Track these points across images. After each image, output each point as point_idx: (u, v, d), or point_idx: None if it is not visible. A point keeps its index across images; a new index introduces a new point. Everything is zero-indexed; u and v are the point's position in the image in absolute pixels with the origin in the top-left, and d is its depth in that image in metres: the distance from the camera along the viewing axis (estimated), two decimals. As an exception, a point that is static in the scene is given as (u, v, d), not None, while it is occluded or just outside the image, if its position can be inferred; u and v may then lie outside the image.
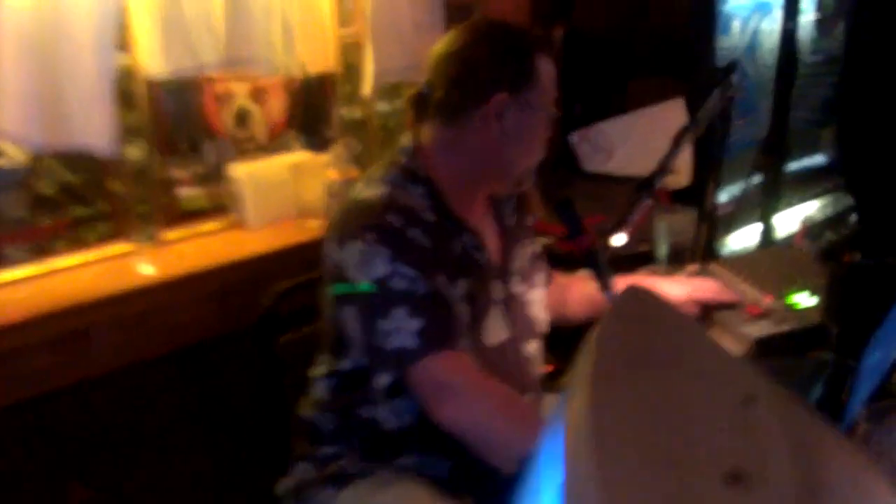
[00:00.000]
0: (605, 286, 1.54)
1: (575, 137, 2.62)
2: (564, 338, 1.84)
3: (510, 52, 1.54)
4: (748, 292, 1.92)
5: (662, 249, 2.10)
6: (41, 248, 2.11)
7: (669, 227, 2.10)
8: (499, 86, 1.52)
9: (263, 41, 2.15)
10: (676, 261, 2.11)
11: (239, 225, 2.43)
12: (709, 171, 2.13)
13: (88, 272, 2.16)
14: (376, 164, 1.66)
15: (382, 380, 1.50)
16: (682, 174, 2.46)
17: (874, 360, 1.41)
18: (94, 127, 1.89)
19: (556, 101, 1.61)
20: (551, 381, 2.23)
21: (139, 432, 2.18)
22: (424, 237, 1.50)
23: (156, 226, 2.28)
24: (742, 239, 2.49)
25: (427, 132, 1.60)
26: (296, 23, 2.23)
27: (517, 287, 1.72)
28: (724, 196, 2.62)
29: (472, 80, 1.54)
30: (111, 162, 2.13)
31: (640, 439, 0.59)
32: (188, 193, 2.38)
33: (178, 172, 2.33)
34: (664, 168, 1.80)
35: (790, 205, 2.72)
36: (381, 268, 1.45)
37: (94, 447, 2.12)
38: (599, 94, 2.75)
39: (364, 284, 1.47)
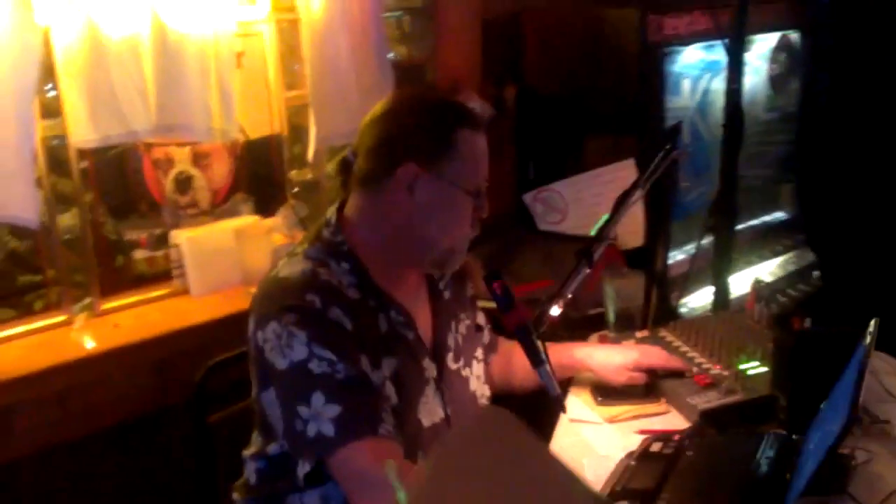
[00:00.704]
0: (535, 362, 1.48)
1: (528, 197, 2.58)
2: (523, 408, 1.78)
3: (425, 124, 1.48)
4: (697, 360, 1.86)
5: (612, 314, 2.05)
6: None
7: (620, 291, 2.05)
8: (410, 156, 1.47)
9: (199, 107, 2.10)
10: (627, 325, 2.05)
11: (182, 292, 2.37)
12: (657, 233, 2.09)
13: (21, 344, 2.09)
14: (301, 237, 1.60)
15: (304, 467, 1.42)
16: (636, 235, 2.43)
17: (816, 439, 1.35)
18: (17, 199, 1.83)
19: (481, 179, 1.51)
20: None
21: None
22: (346, 317, 1.43)
23: (94, 295, 2.22)
24: (696, 301, 2.45)
25: (351, 202, 1.55)
26: (234, 88, 2.18)
27: (453, 364, 1.65)
28: (679, 257, 2.59)
29: (385, 148, 1.49)
30: (45, 231, 2.08)
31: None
32: (138, 256, 2.32)
33: (129, 234, 2.29)
34: (603, 236, 1.75)
35: (750, 263, 2.69)
36: (298, 351, 1.38)
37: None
38: (554, 152, 2.73)
39: (282, 368, 1.40)
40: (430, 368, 1.59)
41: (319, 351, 1.38)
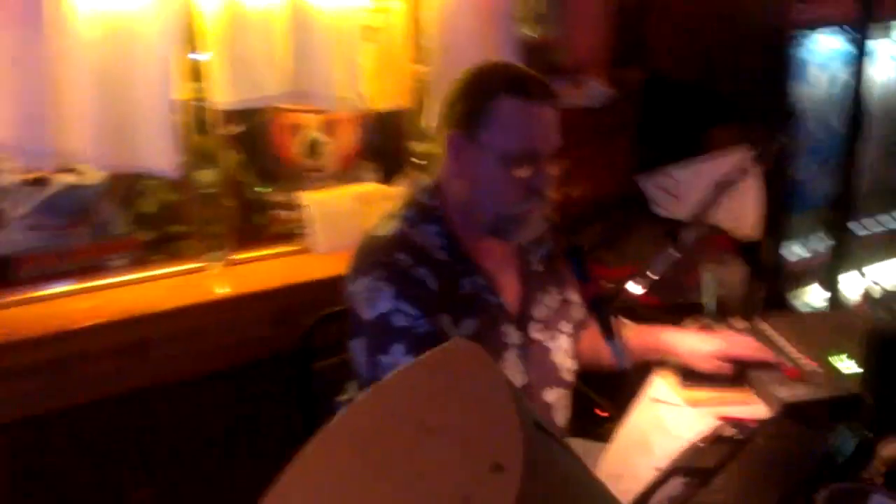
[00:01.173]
0: (607, 335, 1.52)
1: (644, 180, 2.58)
2: (617, 384, 1.82)
3: (467, 93, 1.55)
4: (791, 354, 1.83)
5: (710, 301, 2.04)
6: (134, 259, 2.29)
7: (720, 279, 2.03)
8: (452, 125, 1.55)
9: (327, 77, 2.25)
10: (726, 314, 2.03)
11: (305, 250, 2.54)
12: (769, 225, 2.06)
13: (161, 284, 2.31)
14: (399, 200, 1.70)
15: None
16: (748, 225, 2.38)
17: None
18: (157, 151, 2.03)
19: (529, 147, 1.52)
20: (603, 427, 2.20)
21: (188, 440, 2.30)
22: (432, 277, 1.53)
23: (228, 246, 2.42)
24: (811, 297, 2.37)
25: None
26: (361, 60, 2.31)
27: (538, 334, 1.71)
28: (799, 251, 2.51)
29: (441, 118, 1.59)
30: (187, 186, 2.29)
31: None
32: (270, 215, 2.50)
33: (262, 194, 2.47)
34: (696, 219, 1.75)
35: (873, 262, 2.56)
36: (384, 304, 1.49)
37: (153, 450, 2.25)
38: (676, 138, 2.70)
39: (368, 318, 1.51)
40: (512, 335, 1.65)
41: (404, 306, 1.49)
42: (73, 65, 1.91)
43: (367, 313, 1.52)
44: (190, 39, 2.11)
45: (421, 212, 1.63)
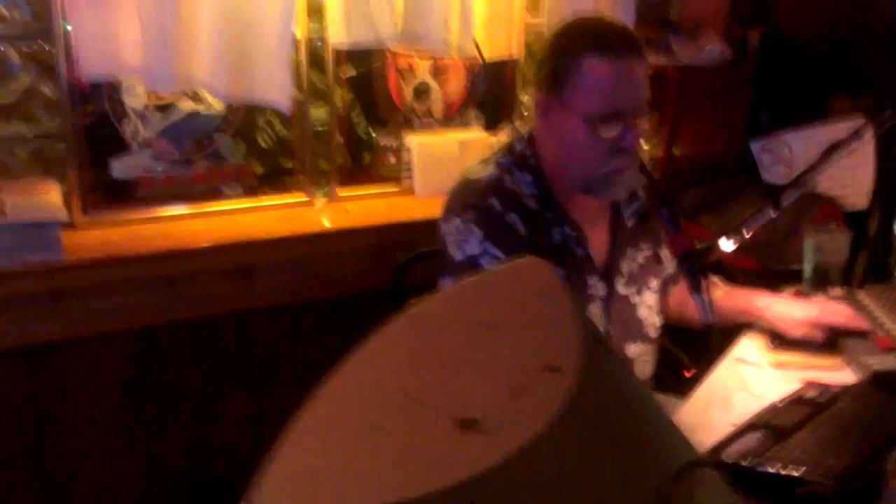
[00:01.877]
0: (693, 288, 1.52)
1: (756, 145, 2.52)
2: (705, 342, 1.82)
3: (553, 53, 1.56)
4: (886, 325, 1.79)
5: (809, 269, 2.00)
6: (246, 188, 2.41)
7: (821, 247, 1.99)
8: (541, 85, 1.57)
9: (439, 21, 2.28)
10: (824, 282, 1.99)
11: (408, 191, 2.61)
12: (878, 196, 2.00)
13: (270, 215, 2.42)
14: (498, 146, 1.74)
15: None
16: (861, 196, 2.31)
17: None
18: (273, 85, 2.13)
19: (613, 106, 1.51)
20: (689, 387, 2.20)
21: (289, 363, 2.42)
22: (521, 223, 1.57)
23: (334, 183, 2.51)
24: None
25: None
26: (476, 7, 2.34)
27: (623, 288, 1.73)
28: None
29: (534, 77, 1.62)
30: (300, 122, 2.38)
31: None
32: (376, 155, 2.57)
33: (370, 134, 2.54)
34: (797, 182, 1.71)
35: None
36: (473, 246, 1.54)
37: (252, 369, 2.39)
38: (795, 103, 2.62)
39: (457, 259, 1.56)
40: (598, 287, 1.68)
41: (492, 249, 1.53)
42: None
43: (457, 254, 1.57)
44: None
45: (516, 159, 1.66)
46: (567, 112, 1.56)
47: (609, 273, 1.70)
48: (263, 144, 2.40)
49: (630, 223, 1.76)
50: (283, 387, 2.43)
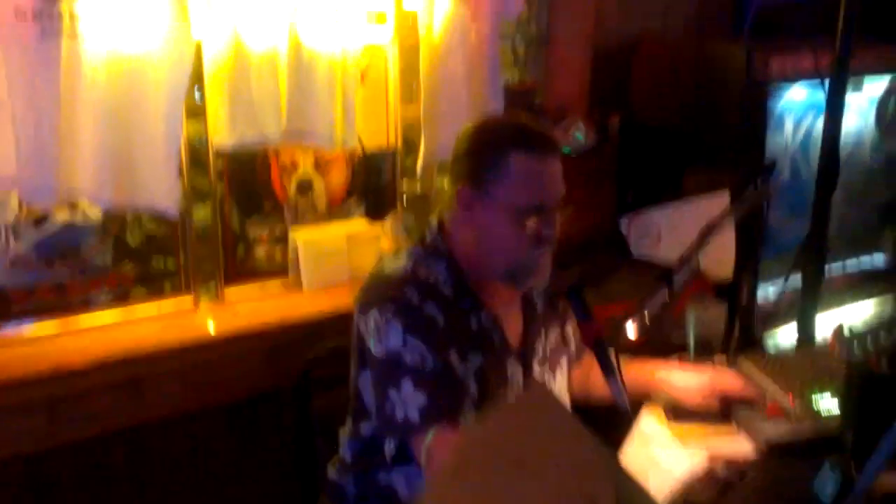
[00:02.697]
0: (607, 373, 1.59)
1: (624, 222, 2.68)
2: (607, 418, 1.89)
3: (478, 147, 1.62)
4: (771, 390, 1.92)
5: (692, 340, 2.13)
6: (121, 295, 2.31)
7: (701, 318, 2.13)
8: (464, 177, 1.63)
9: (324, 118, 2.31)
10: (707, 352, 2.13)
11: (295, 286, 2.58)
12: (744, 266, 2.16)
13: (151, 322, 2.33)
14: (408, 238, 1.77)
15: (390, 446, 1.58)
16: (726, 266, 2.49)
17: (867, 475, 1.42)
18: (160, 190, 2.07)
19: (537, 199, 1.58)
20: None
21: (185, 476, 2.31)
22: (439, 313, 1.59)
23: (218, 282, 2.45)
24: (782, 336, 2.49)
25: (447, 213, 1.71)
26: (356, 101, 2.38)
27: (538, 370, 1.79)
28: (770, 291, 2.63)
29: (452, 169, 1.67)
30: (181, 220, 2.32)
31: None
32: (259, 249, 2.54)
33: (252, 231, 2.51)
34: (684, 262, 1.84)
35: (842, 303, 2.70)
36: (394, 339, 1.55)
37: (149, 487, 2.27)
38: (654, 181, 2.81)
39: (378, 353, 1.56)
40: (516, 371, 1.72)
41: (412, 342, 1.55)
42: (83, 104, 1.94)
43: (378, 348, 1.58)
44: (194, 78, 2.14)
45: (427, 250, 1.69)
46: (492, 205, 1.60)
47: (525, 356, 1.76)
48: (132, 243, 2.31)
49: (539, 306, 1.83)
50: (181, 501, 2.32)
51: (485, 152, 1.61)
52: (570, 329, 1.93)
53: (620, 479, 0.72)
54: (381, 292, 1.62)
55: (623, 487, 0.71)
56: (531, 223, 1.59)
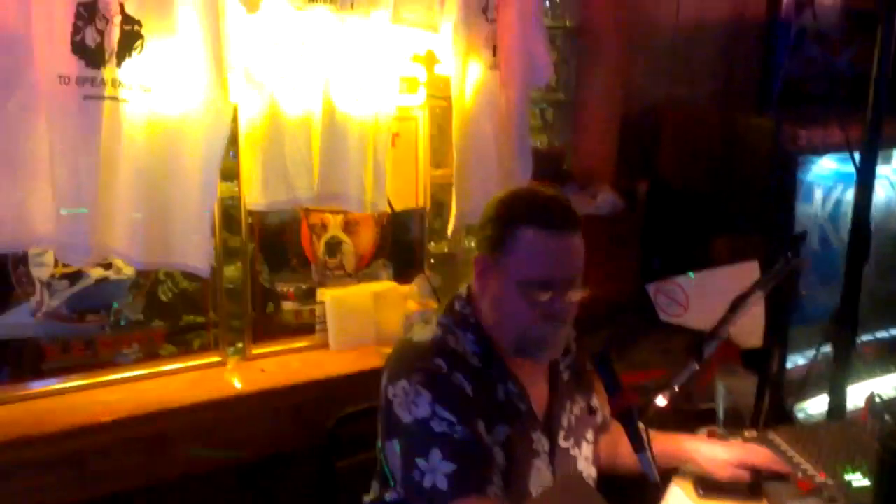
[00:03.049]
0: (637, 447, 1.57)
1: (651, 288, 2.68)
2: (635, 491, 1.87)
3: (495, 219, 1.64)
4: (802, 465, 1.90)
5: (722, 411, 2.11)
6: (151, 351, 2.33)
7: (731, 389, 2.11)
8: (481, 246, 1.66)
9: (355, 181, 2.35)
10: (737, 423, 2.10)
11: (322, 345, 2.59)
12: (775, 336, 2.15)
13: (180, 378, 2.34)
14: (433, 305, 1.78)
15: (417, 514, 1.57)
16: (755, 336, 2.47)
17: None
18: (193, 249, 2.10)
19: (546, 275, 1.58)
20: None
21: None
22: (468, 382, 1.59)
23: (246, 340, 2.46)
24: (812, 408, 2.46)
25: None
26: (387, 163, 2.42)
27: (564, 441, 1.77)
28: (799, 362, 2.61)
29: (476, 237, 1.71)
30: (212, 279, 2.34)
31: None
32: (286, 307, 2.56)
33: (281, 285, 2.54)
34: (716, 334, 1.83)
35: (873, 375, 2.67)
36: (423, 409, 1.55)
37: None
38: (681, 247, 2.81)
39: (406, 422, 1.56)
40: (541, 442, 1.71)
41: (441, 411, 1.54)
42: (121, 165, 1.99)
43: (406, 417, 1.57)
44: (229, 141, 2.18)
45: (457, 319, 1.70)
46: (503, 275, 1.62)
47: (551, 427, 1.74)
48: (164, 298, 2.34)
49: (566, 376, 1.82)
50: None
51: (500, 223, 1.63)
52: (597, 400, 1.92)
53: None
54: (411, 362, 1.62)
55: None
56: (541, 298, 1.59)
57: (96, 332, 2.24)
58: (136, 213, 2.02)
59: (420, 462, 1.53)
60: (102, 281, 2.20)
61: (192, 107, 2.06)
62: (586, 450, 1.83)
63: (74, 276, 2.16)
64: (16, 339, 2.12)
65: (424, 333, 1.68)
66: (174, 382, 2.31)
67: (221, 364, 2.41)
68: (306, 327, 2.59)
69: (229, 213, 2.37)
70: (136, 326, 2.30)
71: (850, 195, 2.70)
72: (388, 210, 2.52)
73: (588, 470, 1.83)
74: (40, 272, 2.11)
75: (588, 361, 1.87)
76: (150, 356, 2.33)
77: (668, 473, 1.95)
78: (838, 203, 2.73)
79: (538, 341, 1.64)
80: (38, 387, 2.16)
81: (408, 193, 2.71)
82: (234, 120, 2.21)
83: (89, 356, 2.23)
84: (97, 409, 2.12)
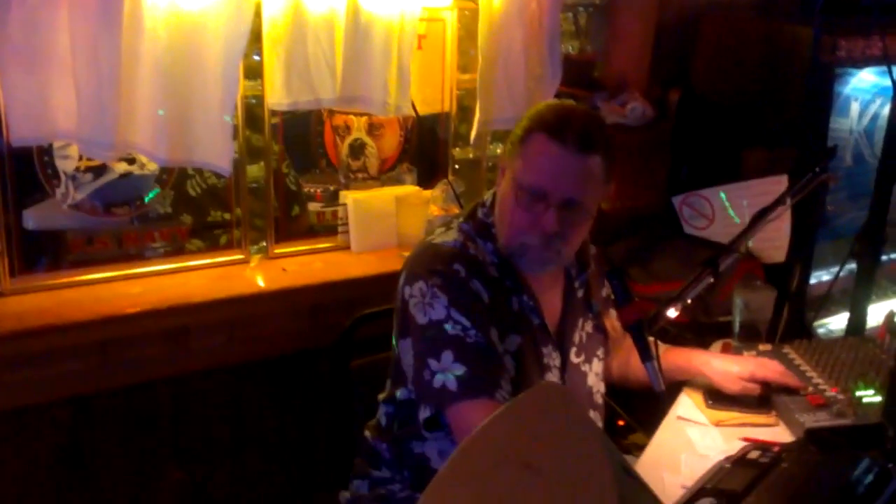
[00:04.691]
0: (644, 357, 1.58)
1: (678, 200, 2.64)
2: (645, 401, 1.89)
3: (521, 124, 1.63)
4: (814, 380, 1.90)
5: (738, 324, 2.10)
6: (177, 246, 2.36)
7: (749, 303, 2.10)
8: (505, 150, 1.68)
9: (379, 83, 2.31)
10: (752, 337, 2.10)
11: (344, 247, 2.61)
12: (798, 252, 2.12)
13: (204, 274, 2.38)
14: (455, 210, 1.77)
15: (425, 412, 1.61)
16: (779, 251, 2.45)
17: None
18: (214, 148, 2.10)
19: (538, 183, 1.57)
20: (625, 438, 2.28)
21: (226, 427, 2.38)
22: (484, 290, 1.61)
23: (269, 239, 2.49)
24: (833, 324, 2.44)
25: None
26: (412, 67, 2.38)
27: (575, 357, 1.79)
28: (824, 278, 2.58)
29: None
30: (236, 177, 2.36)
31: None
32: (311, 208, 2.57)
33: (307, 187, 2.55)
34: (734, 248, 1.81)
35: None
36: (438, 311, 1.57)
37: (189, 435, 2.34)
38: (711, 159, 2.76)
39: (421, 322, 1.58)
40: (552, 356, 1.72)
41: (456, 315, 1.56)
42: (143, 61, 1.98)
43: (421, 317, 1.59)
44: (252, 39, 2.16)
45: (477, 226, 1.70)
46: (508, 176, 1.64)
47: (563, 342, 1.76)
48: (193, 193, 2.36)
49: (580, 293, 1.82)
50: (219, 451, 2.38)
51: (523, 127, 1.63)
52: (610, 314, 1.92)
53: (627, 484, 0.72)
54: (430, 264, 1.63)
55: (629, 492, 0.71)
56: (534, 208, 1.58)
57: (124, 226, 2.27)
58: (159, 110, 2.02)
59: (432, 362, 1.56)
60: (127, 175, 2.22)
61: (213, 1, 2.03)
62: (596, 366, 1.85)
63: (98, 170, 2.18)
64: (44, 231, 2.15)
65: (446, 237, 1.69)
66: (198, 278, 2.35)
67: (244, 262, 2.45)
68: (329, 228, 2.61)
69: (253, 112, 2.36)
70: (164, 220, 2.33)
71: (887, 110, 2.61)
72: (412, 114, 2.49)
73: (597, 385, 1.85)
74: (65, 164, 2.13)
75: (602, 275, 1.88)
76: (177, 251, 2.37)
77: (680, 385, 1.97)
78: (875, 118, 2.64)
79: (522, 249, 1.64)
80: (64, 276, 2.20)
81: (433, 97, 2.67)
82: (258, 17, 2.18)
83: (116, 250, 2.27)
84: (122, 301, 2.17)
